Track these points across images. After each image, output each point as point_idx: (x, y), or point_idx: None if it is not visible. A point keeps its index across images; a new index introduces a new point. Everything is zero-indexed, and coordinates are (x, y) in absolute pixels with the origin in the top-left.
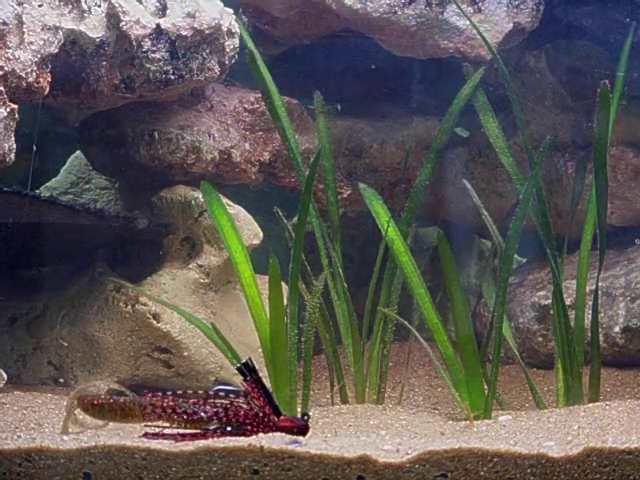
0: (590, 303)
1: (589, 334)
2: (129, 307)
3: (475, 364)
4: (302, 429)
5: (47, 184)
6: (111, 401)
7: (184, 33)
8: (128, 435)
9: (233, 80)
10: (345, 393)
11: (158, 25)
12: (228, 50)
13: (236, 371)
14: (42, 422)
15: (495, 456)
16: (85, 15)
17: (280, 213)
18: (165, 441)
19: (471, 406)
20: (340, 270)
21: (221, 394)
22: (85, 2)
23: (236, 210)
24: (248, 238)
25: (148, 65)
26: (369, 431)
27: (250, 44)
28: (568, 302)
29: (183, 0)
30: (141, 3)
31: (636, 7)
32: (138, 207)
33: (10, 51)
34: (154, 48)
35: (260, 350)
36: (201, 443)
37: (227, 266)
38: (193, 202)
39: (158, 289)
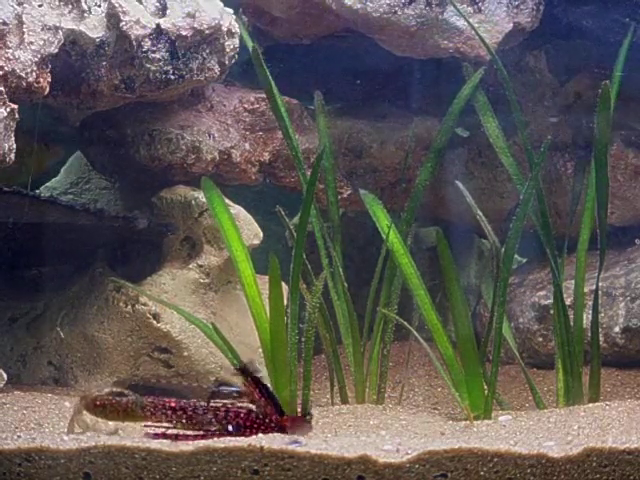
0: (590, 303)
1: (589, 334)
2: (129, 307)
3: (475, 364)
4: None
5: (47, 184)
6: (114, 401)
7: (184, 33)
8: (128, 435)
9: (233, 80)
10: (345, 393)
11: (158, 25)
12: (228, 50)
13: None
14: (42, 422)
15: (495, 456)
16: (85, 15)
17: (282, 212)
18: (165, 441)
19: (471, 406)
20: (340, 270)
21: (224, 392)
22: (85, 2)
23: (236, 210)
24: (248, 238)
25: (148, 65)
26: (369, 431)
27: (250, 43)
28: (568, 302)
29: (183, 0)
30: (141, 3)
31: (636, 7)
32: (138, 207)
33: (10, 51)
34: (154, 48)
35: (260, 350)
36: (201, 443)
37: (227, 266)
38: (193, 202)
39: (158, 289)
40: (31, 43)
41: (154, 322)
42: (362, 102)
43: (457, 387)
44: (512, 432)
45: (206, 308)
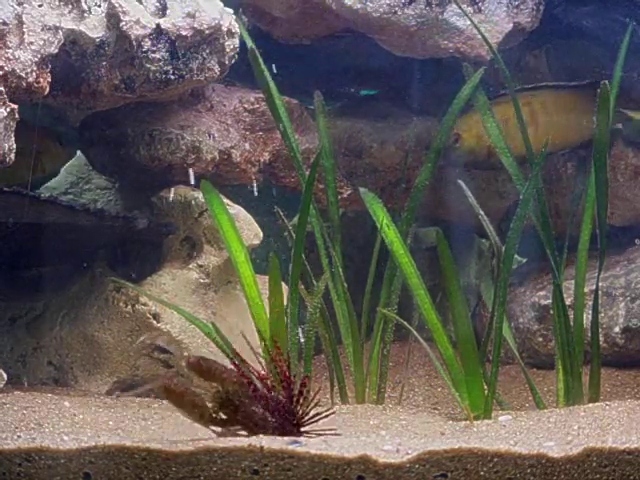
0: (590, 303)
1: (589, 334)
2: (129, 307)
3: (475, 364)
4: None
5: (47, 184)
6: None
7: (184, 33)
8: (128, 435)
9: (235, 80)
10: (345, 393)
11: (158, 25)
12: (228, 50)
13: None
14: (42, 422)
15: (495, 456)
16: (85, 15)
17: (281, 213)
18: (165, 441)
19: (471, 406)
20: (340, 270)
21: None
22: (85, 2)
23: (236, 210)
24: (248, 238)
25: (148, 65)
26: (369, 431)
27: (250, 43)
28: (568, 302)
29: (183, 0)
30: (141, 3)
31: (636, 7)
32: (138, 207)
33: (10, 51)
34: (154, 48)
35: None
36: (201, 443)
37: (227, 266)
38: (193, 202)
39: (158, 289)
40: (31, 43)
41: (154, 322)
42: (362, 102)
43: (457, 387)
44: (512, 432)
45: (206, 308)
